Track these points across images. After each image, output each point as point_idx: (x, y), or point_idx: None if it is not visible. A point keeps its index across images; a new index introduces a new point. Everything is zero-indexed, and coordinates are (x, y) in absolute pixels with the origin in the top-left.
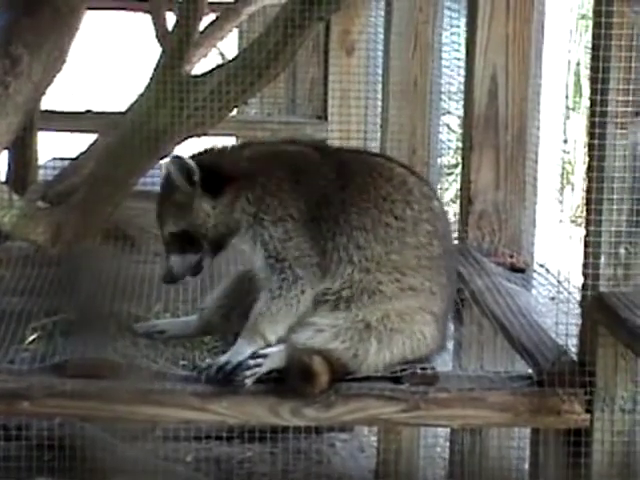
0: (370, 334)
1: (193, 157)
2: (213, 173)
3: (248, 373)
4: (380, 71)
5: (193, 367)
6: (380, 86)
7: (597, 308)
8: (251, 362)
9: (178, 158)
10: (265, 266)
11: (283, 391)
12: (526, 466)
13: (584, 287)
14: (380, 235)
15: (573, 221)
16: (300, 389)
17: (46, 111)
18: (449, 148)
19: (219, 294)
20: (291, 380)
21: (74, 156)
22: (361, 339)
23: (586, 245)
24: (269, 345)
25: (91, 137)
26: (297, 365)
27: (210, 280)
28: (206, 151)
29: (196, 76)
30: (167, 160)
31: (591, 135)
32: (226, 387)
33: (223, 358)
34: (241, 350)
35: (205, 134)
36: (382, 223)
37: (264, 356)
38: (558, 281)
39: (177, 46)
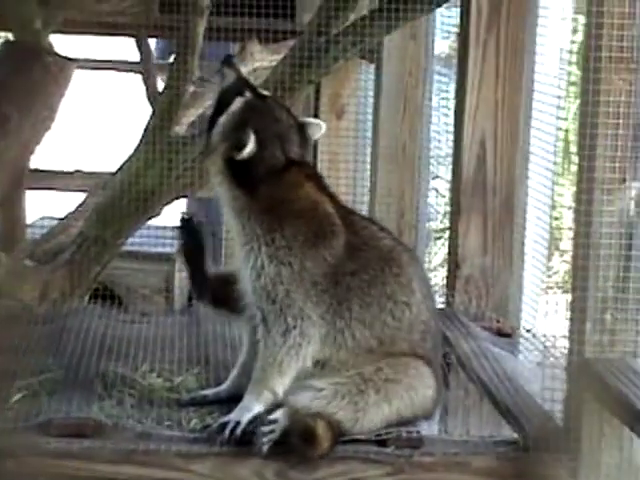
0: (367, 386)
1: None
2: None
3: (265, 440)
4: (369, 135)
5: (203, 427)
6: (369, 150)
7: (583, 374)
8: (266, 429)
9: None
10: (256, 301)
11: (268, 453)
12: None
13: (570, 352)
14: (376, 331)
15: (560, 287)
16: (302, 451)
17: (35, 170)
18: (438, 212)
19: (242, 356)
20: (293, 441)
21: (63, 215)
22: (359, 391)
23: (572, 310)
24: (276, 399)
25: (80, 196)
26: (300, 427)
27: (197, 342)
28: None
29: (185, 137)
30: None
31: (578, 201)
32: (243, 448)
33: (233, 417)
34: (250, 406)
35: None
36: (380, 320)
37: (274, 422)
38: (544, 346)
39: (167, 107)
